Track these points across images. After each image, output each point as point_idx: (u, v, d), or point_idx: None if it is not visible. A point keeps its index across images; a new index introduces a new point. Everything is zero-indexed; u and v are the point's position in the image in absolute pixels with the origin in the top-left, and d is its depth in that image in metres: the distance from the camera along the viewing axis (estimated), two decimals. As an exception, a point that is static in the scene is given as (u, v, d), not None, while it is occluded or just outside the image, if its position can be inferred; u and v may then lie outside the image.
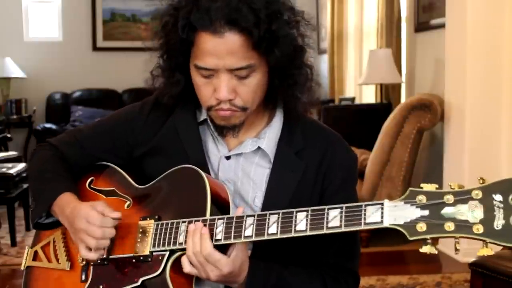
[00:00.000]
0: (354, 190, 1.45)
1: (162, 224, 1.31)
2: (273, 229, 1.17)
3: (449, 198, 1.04)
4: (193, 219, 1.25)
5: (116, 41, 7.71)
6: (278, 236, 1.17)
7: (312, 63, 1.37)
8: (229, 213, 1.28)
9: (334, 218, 1.13)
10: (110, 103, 7.22)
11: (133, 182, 1.44)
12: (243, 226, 1.20)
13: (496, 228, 0.99)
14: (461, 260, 3.54)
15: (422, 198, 1.06)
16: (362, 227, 1.09)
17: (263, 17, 1.23)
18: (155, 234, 1.30)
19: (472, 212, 1.02)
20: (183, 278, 1.27)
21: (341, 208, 1.13)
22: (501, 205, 1.00)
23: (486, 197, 1.02)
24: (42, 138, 6.51)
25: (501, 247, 1.02)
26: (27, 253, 1.51)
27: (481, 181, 1.03)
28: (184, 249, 1.25)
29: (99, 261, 1.35)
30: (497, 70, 3.76)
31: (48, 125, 7.18)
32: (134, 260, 1.31)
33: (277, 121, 1.41)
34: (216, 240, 1.22)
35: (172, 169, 1.36)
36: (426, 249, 1.04)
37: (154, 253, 1.29)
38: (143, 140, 1.45)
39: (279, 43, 1.25)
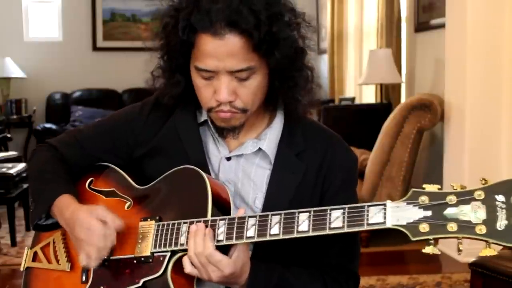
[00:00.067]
0: (354, 191, 1.45)
1: (163, 225, 1.30)
2: (275, 229, 1.17)
3: (452, 199, 1.04)
4: (195, 219, 1.25)
5: (116, 41, 7.71)
6: (281, 237, 1.17)
7: (312, 65, 1.36)
8: (229, 214, 1.28)
9: (336, 219, 1.13)
10: (110, 103, 7.22)
11: (133, 183, 1.43)
12: (245, 227, 1.20)
13: (499, 229, 1.00)
14: (461, 260, 3.54)
15: (424, 199, 1.06)
16: (365, 227, 1.09)
17: (264, 19, 1.22)
18: (156, 235, 1.30)
19: (474, 213, 1.02)
20: (184, 279, 1.27)
21: (344, 208, 1.13)
22: (504, 206, 1.01)
23: (489, 198, 1.02)
24: (42, 138, 6.51)
25: (501, 247, 1.02)
26: (27, 254, 1.50)
27: (483, 182, 1.04)
28: (185, 250, 1.25)
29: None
30: (497, 70, 3.76)
31: (48, 125, 7.18)
32: (135, 261, 1.31)
33: (278, 123, 1.41)
34: (218, 241, 1.22)
35: (173, 169, 1.36)
36: (429, 249, 1.05)
37: (155, 254, 1.29)
38: (143, 140, 1.45)
39: (279, 45, 1.25)
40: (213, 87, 1.29)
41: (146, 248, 1.30)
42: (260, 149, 1.38)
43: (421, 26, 4.85)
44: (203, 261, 1.21)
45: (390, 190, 4.06)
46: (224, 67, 1.25)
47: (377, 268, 3.72)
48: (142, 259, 1.30)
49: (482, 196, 1.02)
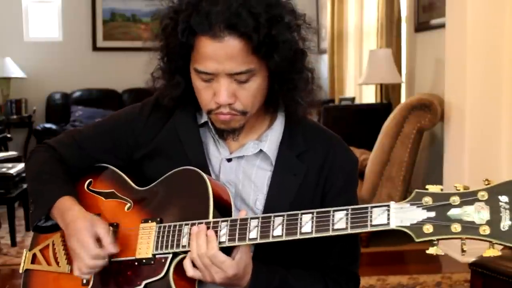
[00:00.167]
0: (355, 192, 1.45)
1: (164, 227, 1.30)
2: (278, 231, 1.17)
3: (455, 200, 1.04)
4: (196, 221, 1.25)
5: (116, 41, 7.71)
6: (284, 238, 1.16)
7: (313, 66, 1.36)
8: (231, 215, 1.27)
9: (340, 220, 1.13)
10: (110, 103, 7.22)
11: (133, 184, 1.43)
12: (248, 228, 1.20)
13: (503, 229, 1.00)
14: (461, 260, 3.54)
15: (428, 200, 1.06)
16: (369, 229, 1.09)
17: (263, 22, 1.22)
18: (158, 237, 1.29)
19: (478, 214, 1.02)
20: (186, 281, 1.26)
21: (347, 210, 1.13)
22: (507, 206, 1.01)
23: (492, 199, 1.02)
24: (42, 138, 6.50)
25: (502, 247, 1.03)
26: (25, 256, 1.49)
27: (486, 182, 1.04)
28: (187, 252, 1.24)
29: None
30: (497, 70, 3.76)
31: (48, 125, 7.18)
32: (136, 263, 1.30)
33: (279, 124, 1.40)
34: (220, 243, 1.21)
35: (173, 170, 1.35)
36: (433, 250, 1.05)
37: (156, 256, 1.29)
38: (143, 141, 1.44)
39: (278, 48, 1.24)
40: (212, 89, 1.28)
41: (148, 250, 1.30)
42: (261, 150, 1.38)
43: (421, 26, 4.86)
44: (206, 262, 1.20)
45: (390, 190, 4.07)
46: (224, 69, 1.24)
47: (377, 268, 3.71)
48: (144, 261, 1.29)
49: (486, 197, 1.02)
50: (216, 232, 1.21)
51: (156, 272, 1.27)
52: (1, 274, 3.77)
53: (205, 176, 1.29)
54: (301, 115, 1.39)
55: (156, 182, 1.38)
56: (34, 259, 1.47)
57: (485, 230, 1.01)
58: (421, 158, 4.51)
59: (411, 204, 1.07)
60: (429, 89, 4.69)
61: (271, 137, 1.39)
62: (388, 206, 1.09)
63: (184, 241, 1.25)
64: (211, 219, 1.24)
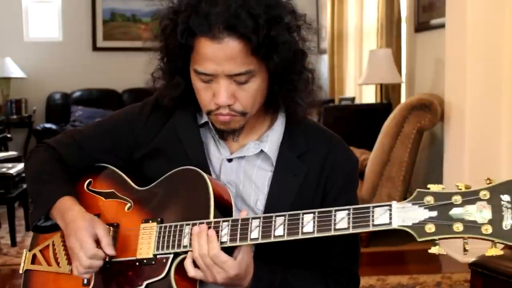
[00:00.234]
0: (355, 193, 1.45)
1: (165, 227, 1.29)
2: (279, 231, 1.17)
3: (457, 199, 1.04)
4: (197, 221, 1.24)
5: (116, 41, 7.71)
6: (285, 238, 1.16)
7: (313, 67, 1.35)
8: (231, 215, 1.27)
9: (341, 220, 1.13)
10: (110, 103, 7.22)
11: (133, 184, 1.42)
12: (249, 228, 1.19)
13: (505, 229, 1.00)
14: (461, 260, 3.54)
15: (430, 199, 1.06)
16: (371, 228, 1.09)
17: (262, 23, 1.21)
18: (158, 237, 1.29)
19: (480, 213, 1.02)
20: (188, 281, 1.26)
21: (349, 209, 1.13)
22: (509, 205, 1.01)
23: (494, 198, 1.02)
24: (42, 138, 6.47)
25: (503, 246, 1.03)
26: (25, 256, 1.49)
27: (488, 182, 1.04)
28: (188, 252, 1.24)
29: None
30: (497, 70, 3.75)
31: (48, 125, 7.18)
32: (137, 264, 1.30)
33: (279, 125, 1.40)
34: (222, 243, 1.21)
35: (173, 170, 1.35)
36: (435, 249, 1.05)
37: (157, 256, 1.28)
38: (143, 141, 1.44)
39: (278, 49, 1.24)
40: (212, 90, 1.28)
41: (148, 250, 1.29)
42: (261, 151, 1.38)
43: (421, 26, 4.86)
44: (208, 262, 1.20)
45: (390, 190, 4.06)
46: (223, 70, 1.24)
47: (377, 268, 3.71)
48: (145, 261, 1.29)
49: (488, 196, 1.02)
50: (217, 232, 1.21)
51: (157, 273, 1.27)
52: (1, 274, 3.77)
53: (205, 175, 1.29)
54: (301, 115, 1.39)
55: (156, 182, 1.38)
56: (34, 260, 1.47)
57: (487, 229, 1.01)
58: (421, 158, 4.51)
59: (413, 204, 1.07)
60: (429, 89, 4.69)
61: (271, 138, 1.39)
62: (390, 205, 1.09)
63: (185, 241, 1.25)
64: (212, 219, 1.24)
